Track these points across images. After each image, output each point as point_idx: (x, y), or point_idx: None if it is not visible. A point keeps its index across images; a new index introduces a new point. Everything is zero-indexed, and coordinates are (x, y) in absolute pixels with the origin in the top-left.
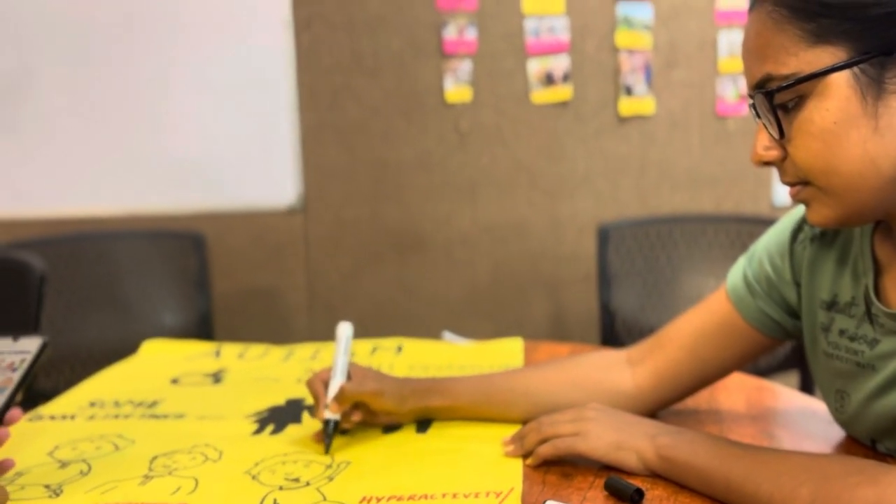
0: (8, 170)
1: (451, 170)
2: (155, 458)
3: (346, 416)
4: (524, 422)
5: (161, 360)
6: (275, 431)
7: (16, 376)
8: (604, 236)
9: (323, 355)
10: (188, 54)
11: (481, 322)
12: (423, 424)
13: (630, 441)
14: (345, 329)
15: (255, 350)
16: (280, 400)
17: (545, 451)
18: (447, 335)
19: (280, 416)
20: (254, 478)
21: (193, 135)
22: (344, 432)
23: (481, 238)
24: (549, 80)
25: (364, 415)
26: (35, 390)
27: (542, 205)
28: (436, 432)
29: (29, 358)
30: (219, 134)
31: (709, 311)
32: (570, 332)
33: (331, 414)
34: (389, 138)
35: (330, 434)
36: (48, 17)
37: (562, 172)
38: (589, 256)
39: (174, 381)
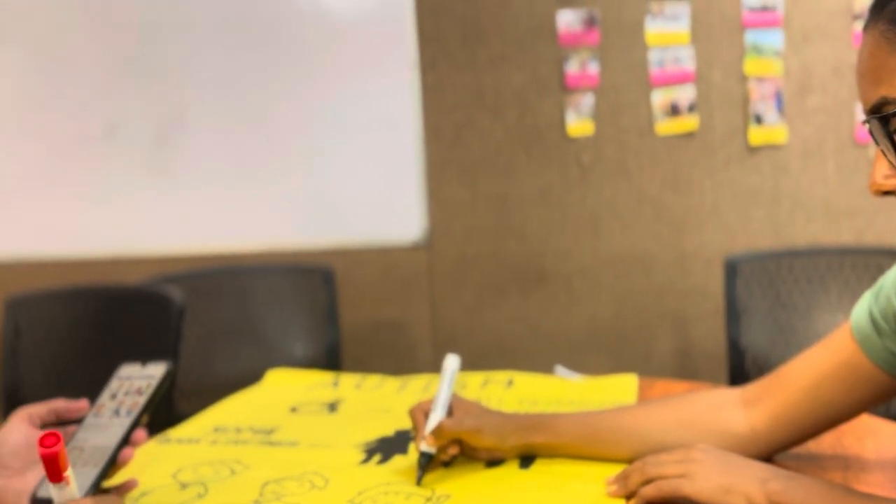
0: (160, 210)
1: (572, 204)
2: (266, 483)
3: (443, 449)
4: (630, 461)
5: (283, 388)
6: (381, 461)
7: (142, 400)
8: (732, 269)
9: (434, 387)
10: (321, 98)
11: (602, 358)
12: (526, 460)
13: (739, 484)
14: (451, 362)
15: (372, 381)
16: (389, 430)
17: (649, 492)
18: (559, 370)
19: (388, 447)
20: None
21: (326, 174)
22: (446, 465)
23: (603, 272)
24: (674, 110)
25: (465, 449)
26: (174, 414)
27: (667, 238)
28: (539, 469)
29: (154, 383)
30: (349, 173)
31: (831, 350)
32: (698, 369)
33: (426, 447)
34: (511, 173)
35: (423, 466)
36: (198, 69)
37: (688, 204)
38: (718, 291)
39: (293, 410)
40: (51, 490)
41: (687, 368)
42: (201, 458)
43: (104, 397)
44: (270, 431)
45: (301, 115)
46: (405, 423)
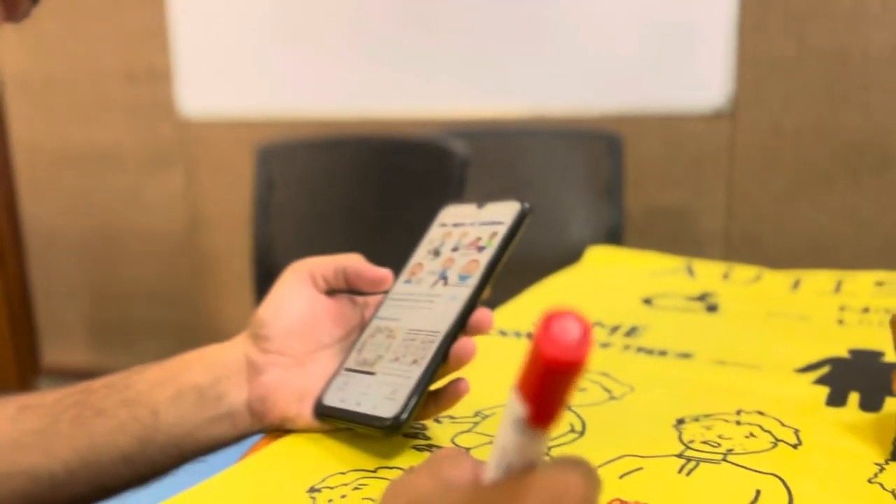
0: (418, 67)
1: None
2: (681, 422)
3: None
4: None
5: (616, 273)
6: (866, 407)
7: (483, 259)
8: None
9: (851, 288)
10: None
11: None
12: None
13: None
14: None
15: (742, 272)
16: (838, 349)
17: None
18: None
19: (855, 380)
20: (883, 489)
21: (607, 26)
22: None
23: None
24: None
25: None
26: None
27: None
28: None
29: (502, 232)
30: (636, 22)
31: None
32: None
33: None
34: (856, 22)
35: None
36: None
37: None
38: None
39: (647, 302)
40: (509, 432)
41: None
42: None
43: (421, 253)
44: (632, 332)
45: None
46: (856, 341)
